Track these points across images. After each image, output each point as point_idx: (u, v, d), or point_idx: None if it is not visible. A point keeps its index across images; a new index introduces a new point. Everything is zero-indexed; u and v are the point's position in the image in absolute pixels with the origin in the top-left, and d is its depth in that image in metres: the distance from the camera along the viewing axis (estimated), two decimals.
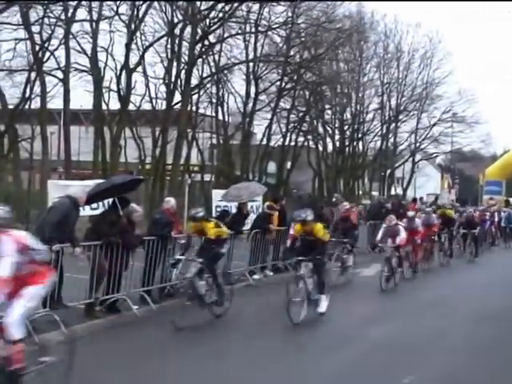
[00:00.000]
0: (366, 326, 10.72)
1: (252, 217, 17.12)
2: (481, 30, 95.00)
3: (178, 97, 28.01)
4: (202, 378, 7.45)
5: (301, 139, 39.15)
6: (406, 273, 15.89)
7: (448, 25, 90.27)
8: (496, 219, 28.83)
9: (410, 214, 17.71)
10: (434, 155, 53.77)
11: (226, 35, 29.31)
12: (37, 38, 24.82)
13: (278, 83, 33.71)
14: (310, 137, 40.13)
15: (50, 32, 25.27)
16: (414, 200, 30.90)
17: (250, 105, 32.95)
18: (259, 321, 10.67)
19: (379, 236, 15.22)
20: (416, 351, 9.18)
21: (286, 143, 37.32)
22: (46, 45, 25.39)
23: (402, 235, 14.74)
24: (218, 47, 30.08)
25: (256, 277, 15.12)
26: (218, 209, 17.73)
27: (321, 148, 40.97)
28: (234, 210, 16.68)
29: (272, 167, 38.04)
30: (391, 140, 47.35)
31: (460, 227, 22.13)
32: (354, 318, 11.32)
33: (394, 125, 46.14)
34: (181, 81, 27.64)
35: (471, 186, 59.09)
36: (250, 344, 9.13)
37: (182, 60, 27.37)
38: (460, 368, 8.44)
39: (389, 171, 47.68)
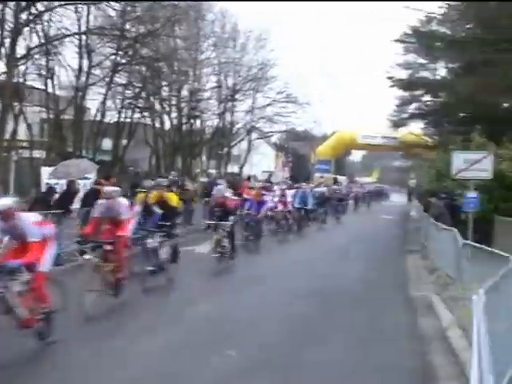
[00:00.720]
0: (194, 302, 10.90)
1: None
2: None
3: (2, 67, 26.31)
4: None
5: (137, 116, 38.53)
6: None
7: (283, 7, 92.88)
8: (289, 199, 23.41)
9: None
10: (270, 134, 55.23)
11: (55, 4, 27.81)
12: None
13: (113, 57, 32.80)
14: (146, 114, 39.59)
15: None
16: (248, 178, 31.57)
17: (83, 79, 31.78)
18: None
19: None
20: (240, 325, 9.43)
21: (122, 119, 36.56)
22: None
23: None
24: (46, 16, 28.46)
25: (87, 257, 14.65)
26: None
27: (158, 125, 40.57)
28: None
29: (107, 144, 37.08)
30: (228, 119, 47.97)
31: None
32: (183, 295, 11.45)
33: (230, 104, 46.78)
34: (5, 50, 25.94)
35: (304, 164, 61.57)
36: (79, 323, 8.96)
37: (7, 28, 25.69)
38: (280, 340, 8.79)
39: (226, 149, 48.30)
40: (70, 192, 16.31)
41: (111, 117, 36.53)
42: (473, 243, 10.40)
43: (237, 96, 46.79)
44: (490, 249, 8.90)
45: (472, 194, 15.83)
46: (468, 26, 28.97)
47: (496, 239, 16.65)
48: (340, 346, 8.69)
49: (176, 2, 32.68)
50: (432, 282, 13.90)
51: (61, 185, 17.58)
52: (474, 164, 15.83)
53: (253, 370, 7.47)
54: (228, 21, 43.34)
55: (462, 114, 34.06)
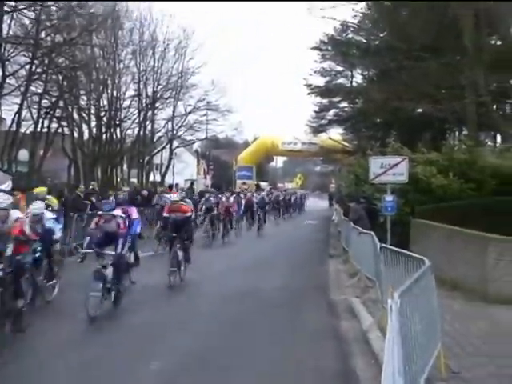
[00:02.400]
0: (121, 313, 10.82)
1: None
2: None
3: None
4: None
5: (54, 125, 37.69)
6: None
7: (201, 16, 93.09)
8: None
9: None
10: (191, 142, 55.14)
11: None
12: None
13: (28, 67, 31.97)
14: (64, 123, 38.78)
15: None
16: (170, 186, 31.37)
17: None
18: None
19: None
20: (165, 335, 9.43)
21: (39, 129, 35.65)
22: None
23: None
24: None
25: None
26: None
27: (76, 135, 39.78)
28: None
29: (24, 155, 36.07)
30: (149, 127, 47.61)
31: None
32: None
33: (151, 112, 46.42)
34: None
35: (226, 172, 61.80)
36: None
37: None
38: (207, 347, 8.84)
39: (147, 158, 47.87)
40: None
41: (27, 127, 35.62)
42: (390, 246, 10.75)
43: (157, 104, 46.50)
44: (406, 252, 9.24)
45: (389, 198, 16.32)
46: (381, 35, 29.94)
47: (412, 241, 17.26)
48: (263, 349, 8.85)
49: (93, 10, 32.29)
50: (353, 286, 14.28)
51: None
52: (390, 168, 16.34)
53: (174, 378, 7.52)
54: (147, 29, 43.16)
55: (378, 120, 35.14)
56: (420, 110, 28.63)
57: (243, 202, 30.62)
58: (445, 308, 9.74)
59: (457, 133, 31.94)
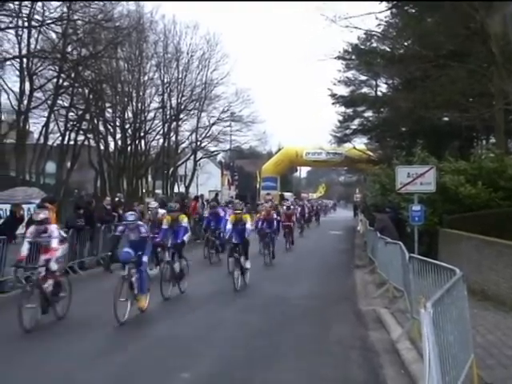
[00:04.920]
0: (147, 323, 10.83)
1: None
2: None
3: None
4: None
5: (81, 138, 38.15)
6: None
7: (226, 27, 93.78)
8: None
9: None
10: (215, 153, 55.38)
11: None
12: None
13: (55, 80, 32.43)
14: (90, 135, 39.22)
15: None
16: (196, 198, 31.42)
17: (25, 102, 31.28)
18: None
19: None
20: (194, 345, 9.41)
21: (66, 142, 36.12)
22: None
23: None
24: None
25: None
26: None
27: (102, 147, 40.21)
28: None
29: (51, 167, 36.54)
30: (173, 138, 47.92)
31: None
32: (135, 316, 11.34)
33: (175, 123, 46.72)
34: None
35: (251, 182, 61.77)
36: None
37: None
38: (234, 357, 8.80)
39: (172, 169, 48.13)
40: (15, 218, 15.96)
41: (54, 140, 36.14)
42: (419, 256, 10.61)
43: (181, 116, 46.83)
44: (435, 261, 9.09)
45: (416, 208, 16.13)
46: (406, 44, 29.74)
47: (441, 251, 17.06)
48: (290, 359, 8.76)
49: (118, 24, 32.67)
50: (380, 296, 14.14)
51: (4, 210, 17.35)
52: (417, 178, 16.17)
53: None
54: (171, 41, 43.51)
55: (403, 129, 34.86)
56: (446, 119, 28.37)
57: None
58: (477, 319, 9.59)
59: (484, 141, 31.58)
